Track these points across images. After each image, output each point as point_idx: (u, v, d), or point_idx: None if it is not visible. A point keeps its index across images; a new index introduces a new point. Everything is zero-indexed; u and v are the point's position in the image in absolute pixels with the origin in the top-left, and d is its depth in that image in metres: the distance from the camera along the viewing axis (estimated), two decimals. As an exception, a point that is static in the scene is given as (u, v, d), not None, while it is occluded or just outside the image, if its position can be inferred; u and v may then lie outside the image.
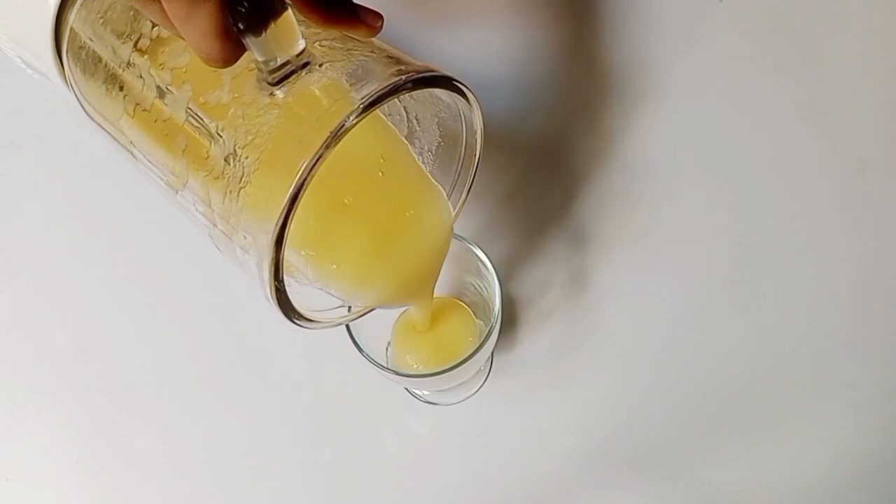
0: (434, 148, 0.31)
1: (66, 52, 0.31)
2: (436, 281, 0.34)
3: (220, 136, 0.25)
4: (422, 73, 0.24)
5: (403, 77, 0.23)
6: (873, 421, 0.42)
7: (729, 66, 0.49)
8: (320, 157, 0.22)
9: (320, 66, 0.24)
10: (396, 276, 0.31)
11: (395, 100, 0.30)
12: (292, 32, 0.23)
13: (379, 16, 0.25)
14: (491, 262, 0.37)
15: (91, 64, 0.30)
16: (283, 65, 0.23)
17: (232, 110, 0.25)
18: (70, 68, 0.31)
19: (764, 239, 0.45)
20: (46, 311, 0.46)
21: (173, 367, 0.45)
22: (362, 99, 0.22)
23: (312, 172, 0.22)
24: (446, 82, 0.25)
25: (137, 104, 0.28)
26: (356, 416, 0.44)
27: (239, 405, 0.44)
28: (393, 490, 0.42)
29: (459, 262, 0.39)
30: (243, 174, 0.24)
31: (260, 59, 0.23)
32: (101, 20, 0.29)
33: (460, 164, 0.31)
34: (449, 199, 0.32)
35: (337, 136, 0.22)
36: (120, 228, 0.47)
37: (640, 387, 0.43)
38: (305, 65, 0.24)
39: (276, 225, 0.22)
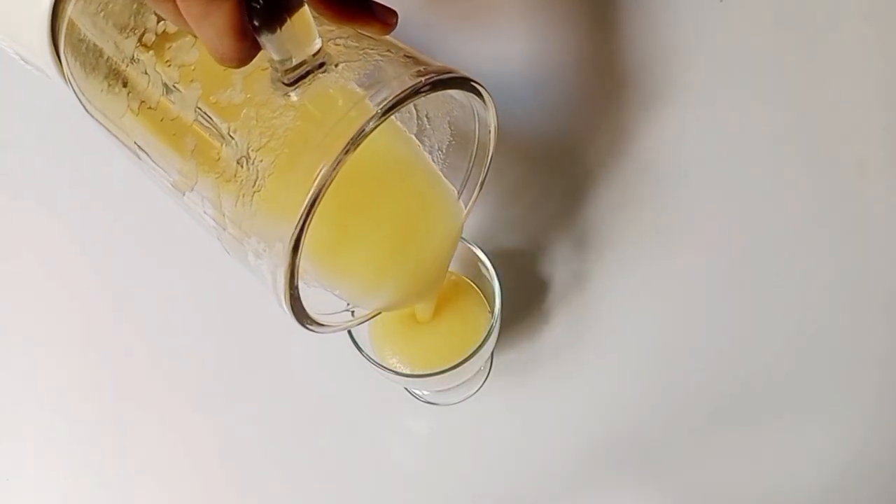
0: (444, 146, 0.31)
1: (64, 46, 0.30)
2: (443, 280, 0.34)
3: (233, 138, 0.24)
4: (441, 74, 0.23)
5: (423, 79, 0.23)
6: (875, 420, 0.42)
7: (730, 67, 0.49)
8: (339, 162, 0.21)
9: (336, 66, 0.23)
10: (409, 279, 0.31)
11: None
12: (309, 30, 0.22)
13: (393, 13, 0.25)
14: (491, 262, 0.37)
15: (91, 58, 0.29)
16: (300, 64, 0.22)
17: (245, 111, 0.24)
18: (68, 63, 0.30)
19: (765, 239, 0.45)
20: (47, 311, 0.46)
21: (174, 367, 0.45)
22: (381, 103, 0.22)
23: (331, 178, 0.21)
24: (464, 83, 0.25)
25: (142, 102, 0.27)
26: (356, 416, 0.44)
27: (239, 405, 0.44)
28: (393, 490, 0.42)
29: (459, 262, 0.39)
30: (257, 178, 0.23)
31: (276, 58, 0.22)
32: (102, 12, 0.28)
33: (472, 163, 0.30)
34: (459, 197, 0.31)
35: (356, 141, 0.21)
36: (121, 228, 0.47)
37: (641, 387, 0.43)
38: (321, 65, 0.23)
39: (294, 231, 0.22)
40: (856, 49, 0.49)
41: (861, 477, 0.41)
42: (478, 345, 0.35)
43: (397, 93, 0.22)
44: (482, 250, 0.37)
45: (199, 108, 0.25)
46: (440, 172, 0.31)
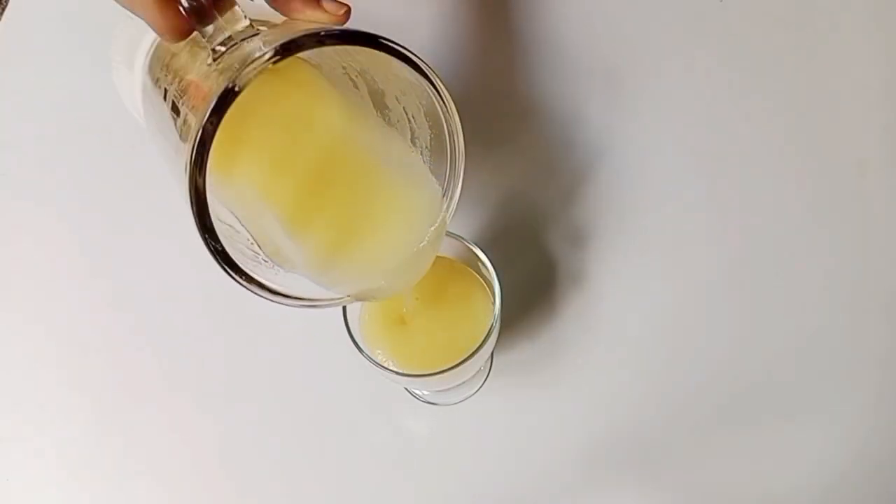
0: (429, 143, 0.32)
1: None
2: (419, 276, 0.33)
3: (184, 107, 0.27)
4: (342, 28, 0.25)
5: (323, 31, 0.24)
6: (875, 420, 0.42)
7: (729, 66, 0.49)
8: (233, 89, 0.23)
9: (265, 38, 0.26)
10: (365, 267, 0.31)
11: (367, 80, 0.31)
12: (237, 18, 0.26)
13: (343, 5, 0.27)
14: (491, 262, 0.37)
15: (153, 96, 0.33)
16: (227, 38, 0.26)
17: (191, 86, 0.27)
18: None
19: (765, 239, 0.45)
20: (47, 310, 0.46)
21: (174, 367, 0.45)
22: (276, 46, 0.24)
23: (216, 114, 0.23)
24: (369, 40, 0.26)
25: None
26: (356, 416, 0.44)
27: (239, 405, 0.44)
28: (393, 490, 0.42)
29: (460, 262, 0.39)
30: (190, 130, 0.25)
31: (204, 37, 0.26)
32: (155, 54, 0.33)
33: (450, 154, 0.31)
34: (448, 193, 0.32)
35: (247, 64, 0.24)
36: (121, 228, 0.47)
37: (641, 386, 0.43)
38: (250, 37, 0.26)
39: (191, 156, 0.24)
40: (856, 49, 0.49)
41: (861, 477, 0.41)
42: (478, 345, 0.35)
43: (291, 37, 0.24)
44: (482, 250, 0.37)
45: (176, 94, 0.29)
46: (427, 171, 0.32)
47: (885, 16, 0.49)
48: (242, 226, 0.30)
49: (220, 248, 0.26)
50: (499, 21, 0.50)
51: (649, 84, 0.48)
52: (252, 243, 0.30)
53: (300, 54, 0.25)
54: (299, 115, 0.29)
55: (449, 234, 0.36)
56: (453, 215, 0.32)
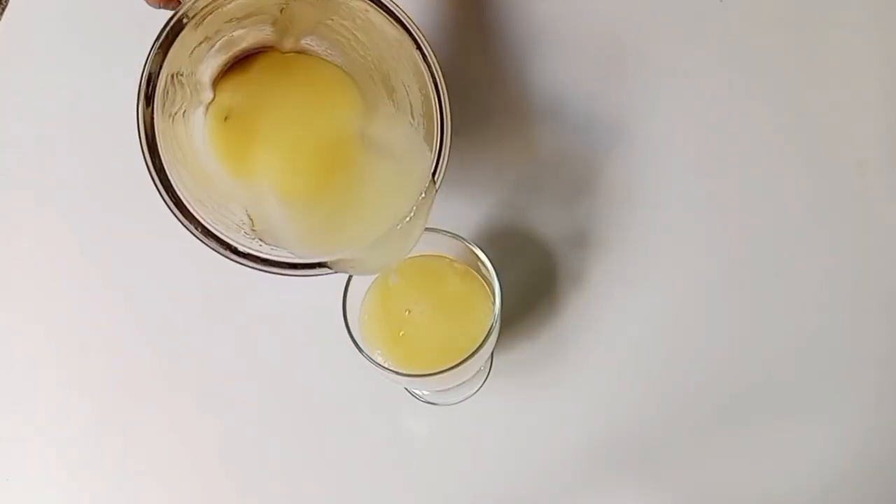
0: (421, 109, 0.32)
1: None
2: (404, 252, 0.33)
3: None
4: None
5: None
6: (875, 420, 0.42)
7: (729, 66, 0.49)
8: (170, 20, 0.26)
9: None
10: (358, 237, 0.32)
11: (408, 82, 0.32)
12: None
13: None
14: (491, 262, 0.37)
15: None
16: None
17: None
18: None
19: (765, 239, 0.45)
20: (47, 310, 0.46)
21: (174, 367, 0.45)
22: None
23: (162, 48, 0.26)
24: None
25: None
26: (356, 416, 0.44)
27: (239, 405, 0.44)
28: (393, 490, 0.42)
29: (460, 262, 0.39)
30: None
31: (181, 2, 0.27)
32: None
33: (437, 121, 0.31)
34: (438, 170, 0.32)
35: (190, 8, 0.26)
36: (121, 228, 0.47)
37: (641, 386, 0.43)
38: None
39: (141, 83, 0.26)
40: (856, 49, 0.48)
41: (861, 477, 0.41)
42: (478, 345, 0.35)
43: None
44: (482, 250, 0.37)
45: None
46: (422, 147, 0.32)
47: (885, 16, 0.49)
48: (243, 208, 0.31)
49: (158, 165, 0.28)
50: (496, 21, 0.50)
51: (649, 84, 0.48)
52: (243, 223, 0.31)
53: (323, 54, 0.25)
54: (310, 114, 0.31)
55: (449, 233, 0.36)
56: (441, 184, 0.32)
